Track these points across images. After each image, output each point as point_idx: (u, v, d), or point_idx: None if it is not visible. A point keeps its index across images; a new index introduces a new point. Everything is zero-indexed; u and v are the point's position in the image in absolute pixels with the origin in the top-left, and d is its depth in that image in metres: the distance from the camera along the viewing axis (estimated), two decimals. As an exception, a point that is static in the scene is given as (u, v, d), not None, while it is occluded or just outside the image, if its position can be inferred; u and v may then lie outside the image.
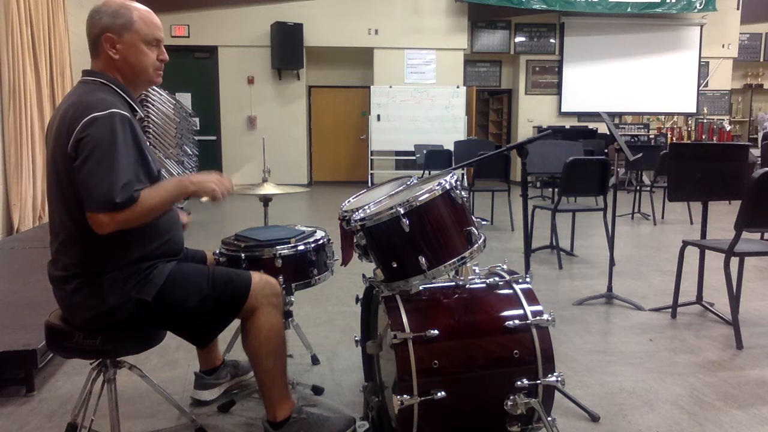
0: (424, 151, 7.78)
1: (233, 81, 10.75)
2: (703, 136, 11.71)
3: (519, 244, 5.49)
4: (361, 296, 2.12)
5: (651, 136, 11.62)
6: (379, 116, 10.97)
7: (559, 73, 11.76)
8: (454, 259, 1.79)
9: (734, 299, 3.03)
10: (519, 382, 1.74)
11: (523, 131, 11.77)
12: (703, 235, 3.45)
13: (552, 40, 11.71)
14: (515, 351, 1.76)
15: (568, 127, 11.42)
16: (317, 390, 2.34)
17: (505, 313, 1.81)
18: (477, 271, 1.97)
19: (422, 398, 1.68)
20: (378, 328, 2.02)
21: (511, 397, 1.74)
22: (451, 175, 1.86)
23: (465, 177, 9.78)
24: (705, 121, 12.07)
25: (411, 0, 10.92)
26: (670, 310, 3.39)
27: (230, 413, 2.21)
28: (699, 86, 12.00)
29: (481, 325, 1.81)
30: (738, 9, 11.98)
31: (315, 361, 2.67)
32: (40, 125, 5.74)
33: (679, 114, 12.09)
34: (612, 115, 11.61)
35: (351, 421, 1.96)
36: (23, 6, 5.51)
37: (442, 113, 11.07)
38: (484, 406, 1.79)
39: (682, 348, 2.89)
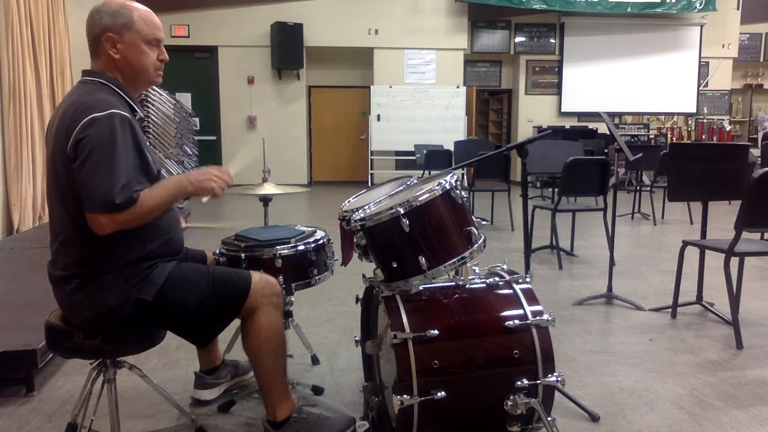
0: (424, 151, 7.78)
1: (233, 81, 10.75)
2: (703, 136, 11.71)
3: (519, 244, 5.49)
4: (361, 296, 2.12)
5: (651, 136, 11.62)
6: (379, 116, 10.97)
7: (559, 73, 11.76)
8: (454, 259, 1.79)
9: (734, 299, 3.03)
10: (519, 382, 1.74)
11: (523, 131, 11.77)
12: (703, 235, 3.45)
13: (552, 40, 11.71)
14: (515, 351, 1.76)
15: (568, 127, 11.42)
16: (317, 390, 2.34)
17: (505, 313, 1.81)
18: (477, 271, 1.97)
19: (422, 398, 1.68)
20: (378, 328, 2.02)
21: (511, 397, 1.74)
22: (451, 175, 1.86)
23: (465, 177, 9.77)
24: (705, 121, 12.07)
25: (411, 0, 10.92)
26: (670, 310, 3.39)
27: (230, 413, 2.21)
28: (699, 86, 12.00)
29: (481, 325, 1.81)
30: (738, 9, 11.98)
31: (315, 361, 2.67)
32: (40, 125, 5.74)
33: (679, 114, 12.09)
34: (612, 115, 11.61)
35: (351, 421, 1.96)
36: (23, 6, 5.51)
37: (442, 113, 11.07)
38: (484, 406, 1.79)
39: (682, 348, 2.89)
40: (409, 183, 2.15)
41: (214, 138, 10.77)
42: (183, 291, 1.74)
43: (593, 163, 4.55)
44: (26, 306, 2.79)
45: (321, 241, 2.25)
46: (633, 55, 11.71)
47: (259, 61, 10.69)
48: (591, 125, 11.40)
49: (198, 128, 9.67)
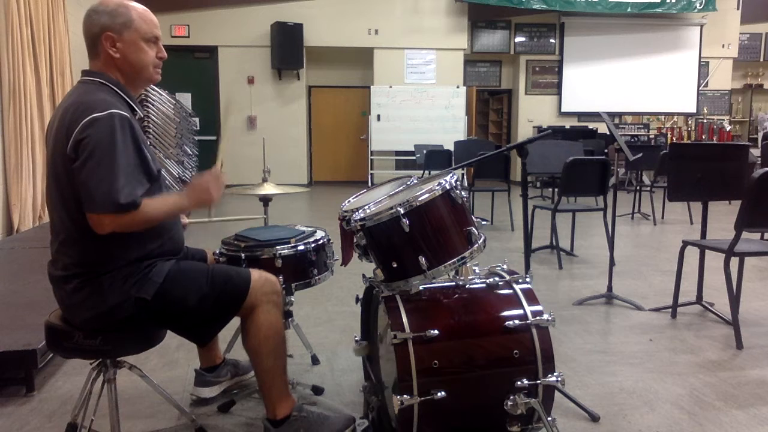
0: (424, 151, 7.78)
1: (233, 81, 10.75)
2: (703, 136, 11.71)
3: (519, 244, 5.49)
4: (361, 296, 2.12)
5: (651, 136, 11.62)
6: (379, 116, 10.97)
7: (559, 73, 11.76)
8: (454, 259, 1.79)
9: (734, 299, 3.03)
10: (519, 382, 1.74)
11: (523, 131, 11.77)
12: (703, 235, 3.45)
13: (552, 40, 11.71)
14: (515, 351, 1.76)
15: (568, 127, 11.42)
16: (317, 390, 2.34)
17: (505, 313, 1.81)
18: (477, 271, 1.97)
19: (422, 398, 1.68)
20: (378, 328, 2.02)
21: (511, 397, 1.74)
22: (451, 175, 1.86)
23: (465, 177, 9.78)
24: (705, 121, 12.07)
25: (411, 0, 10.92)
26: (670, 310, 3.39)
27: (230, 413, 2.21)
28: (699, 86, 12.00)
29: (481, 325, 1.81)
30: (738, 9, 11.98)
31: (315, 361, 2.67)
32: (40, 125, 5.74)
33: (679, 114, 12.09)
34: (612, 115, 11.61)
35: (351, 420, 1.96)
36: (23, 6, 5.51)
37: (442, 113, 11.07)
38: (484, 406, 1.79)
39: (682, 348, 2.89)
40: (409, 183, 2.15)
41: (214, 138, 10.76)
42: (182, 289, 1.74)
43: (593, 163, 4.55)
44: (26, 306, 2.79)
45: (321, 241, 2.25)
46: (633, 55, 11.71)
47: (259, 61, 10.69)
48: (591, 125, 11.40)
49: (198, 128, 9.66)
